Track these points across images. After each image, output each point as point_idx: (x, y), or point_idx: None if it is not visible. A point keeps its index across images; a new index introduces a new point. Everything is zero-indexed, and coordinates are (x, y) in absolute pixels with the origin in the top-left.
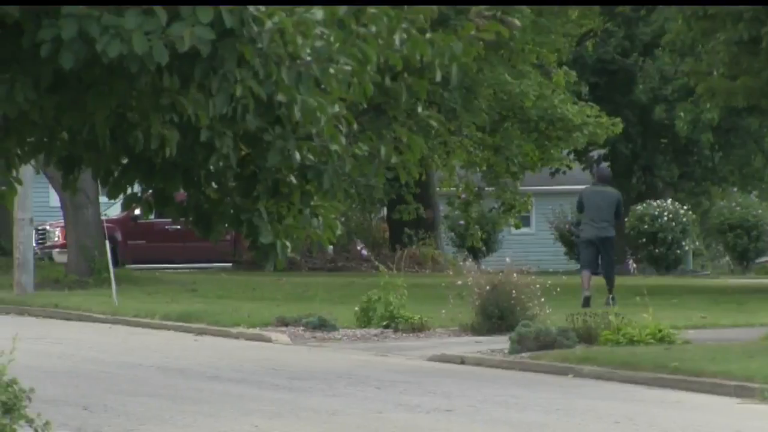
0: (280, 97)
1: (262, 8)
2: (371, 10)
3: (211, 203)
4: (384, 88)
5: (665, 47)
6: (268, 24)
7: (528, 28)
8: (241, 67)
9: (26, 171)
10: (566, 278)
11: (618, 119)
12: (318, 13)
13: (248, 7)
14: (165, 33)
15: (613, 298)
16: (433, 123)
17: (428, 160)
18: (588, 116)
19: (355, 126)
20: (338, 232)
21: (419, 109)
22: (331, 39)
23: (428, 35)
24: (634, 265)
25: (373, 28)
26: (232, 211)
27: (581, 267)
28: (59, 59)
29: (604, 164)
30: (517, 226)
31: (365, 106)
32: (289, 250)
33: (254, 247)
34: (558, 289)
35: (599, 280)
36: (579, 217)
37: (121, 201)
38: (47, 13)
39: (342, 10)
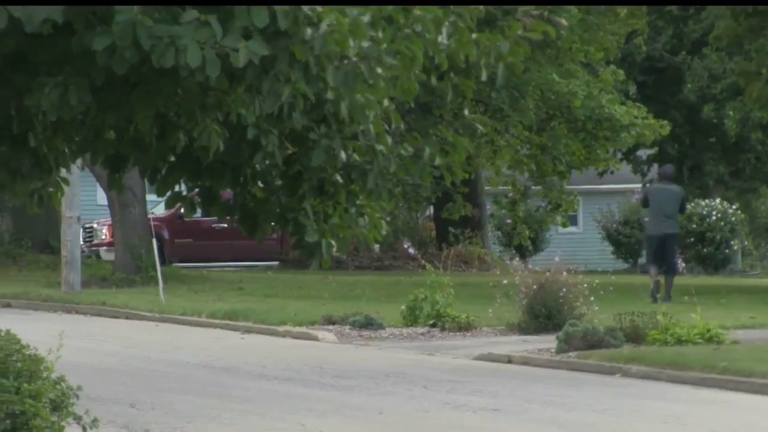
0: (328, 95)
1: (318, 8)
2: (417, 11)
3: (256, 202)
4: (430, 87)
5: (713, 44)
6: (323, 26)
7: (575, 27)
8: (291, 67)
9: (73, 169)
10: (614, 278)
11: (665, 122)
12: (366, 14)
13: (303, 7)
14: (219, 44)
15: (669, 295)
16: (479, 126)
17: (474, 159)
18: (636, 117)
19: (402, 125)
20: (384, 231)
21: (465, 111)
22: (380, 36)
23: (474, 35)
24: (683, 265)
25: (419, 26)
26: (278, 209)
27: (647, 263)
28: (112, 65)
29: (669, 165)
30: (564, 225)
31: (412, 105)
32: (334, 249)
33: (300, 245)
34: (610, 288)
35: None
36: (644, 213)
37: (165, 200)
38: (99, 17)
39: (390, 6)
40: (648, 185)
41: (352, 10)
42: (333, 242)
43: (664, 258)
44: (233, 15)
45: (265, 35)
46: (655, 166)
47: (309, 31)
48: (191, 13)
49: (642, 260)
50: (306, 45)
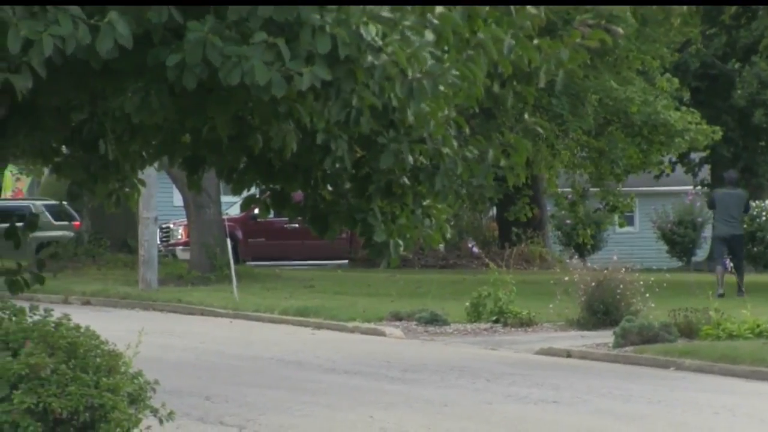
0: (394, 103)
1: (378, 38)
2: (480, 34)
3: (326, 203)
4: (493, 94)
5: (762, 52)
6: (383, 57)
7: (632, 36)
8: (355, 84)
9: (150, 172)
10: (669, 275)
11: (718, 128)
12: (429, 35)
13: (365, 36)
14: (285, 66)
15: (741, 290)
16: (539, 130)
17: (534, 162)
18: (690, 122)
19: (467, 130)
20: (448, 234)
21: (526, 116)
22: (444, 57)
23: (535, 41)
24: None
25: (482, 35)
26: (346, 211)
27: (715, 263)
28: (183, 80)
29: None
30: (621, 225)
31: (476, 110)
32: (401, 249)
33: (368, 245)
34: (664, 285)
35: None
36: (711, 215)
37: (240, 201)
38: (174, 32)
39: (457, 15)
40: (714, 190)
41: (416, 38)
42: (400, 242)
43: (734, 257)
44: (298, 39)
45: (328, 59)
46: (705, 168)
47: (370, 58)
48: (260, 35)
49: (695, 258)
50: (367, 71)
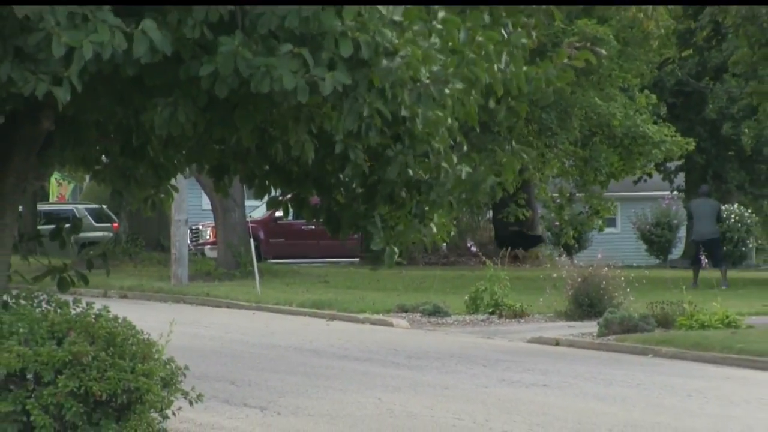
0: (404, 113)
1: (394, 40)
2: (479, 37)
3: (339, 207)
4: (488, 109)
5: (731, 70)
6: (397, 59)
7: (614, 57)
8: (370, 91)
9: (180, 178)
10: (648, 272)
11: (691, 139)
12: (436, 41)
13: (382, 41)
14: (309, 74)
15: (725, 283)
16: (525, 156)
17: (526, 171)
18: (666, 135)
19: (465, 145)
20: (451, 233)
21: (513, 143)
22: (447, 61)
23: (525, 68)
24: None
25: (482, 52)
26: (354, 216)
27: (691, 263)
28: (215, 90)
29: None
30: (600, 229)
31: (477, 129)
32: (396, 256)
33: (368, 250)
34: (643, 281)
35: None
36: (686, 217)
37: (264, 203)
38: (204, 48)
39: (460, 38)
40: (690, 201)
41: (425, 41)
42: (396, 249)
43: (712, 259)
44: (321, 47)
45: (348, 64)
46: (681, 175)
47: (385, 61)
48: (286, 46)
49: (671, 256)
50: (384, 73)
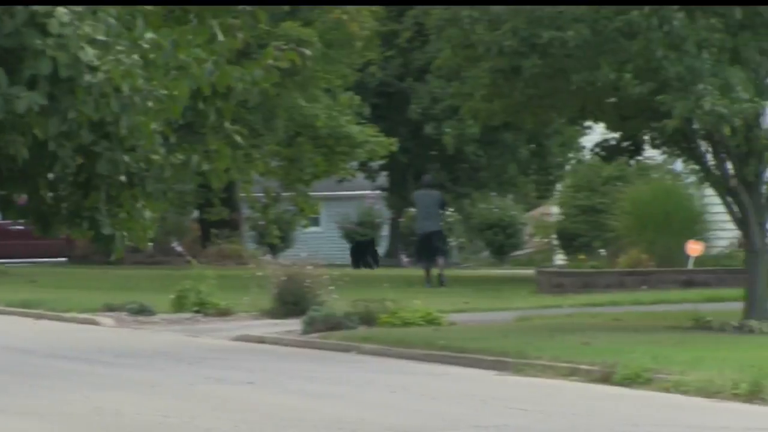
0: (108, 118)
1: (95, 59)
2: (182, 56)
3: (48, 206)
4: (197, 109)
5: (434, 72)
6: (100, 75)
7: (319, 59)
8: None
9: None
10: (351, 271)
11: (395, 139)
12: (137, 58)
13: (83, 59)
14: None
15: (443, 279)
16: (238, 138)
17: (231, 170)
18: (369, 135)
19: (173, 139)
20: (150, 234)
21: (226, 124)
22: (149, 75)
23: (231, 67)
24: (407, 259)
25: (184, 57)
26: (68, 213)
27: (419, 261)
28: None
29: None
30: (305, 227)
31: (180, 123)
32: (126, 240)
33: (97, 238)
34: (346, 279)
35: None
36: (414, 215)
37: None
38: None
39: (163, 55)
40: (414, 191)
41: (128, 57)
42: (125, 234)
43: (434, 251)
44: (21, 64)
45: (50, 79)
46: (384, 174)
47: (88, 77)
48: None
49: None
50: (86, 86)
